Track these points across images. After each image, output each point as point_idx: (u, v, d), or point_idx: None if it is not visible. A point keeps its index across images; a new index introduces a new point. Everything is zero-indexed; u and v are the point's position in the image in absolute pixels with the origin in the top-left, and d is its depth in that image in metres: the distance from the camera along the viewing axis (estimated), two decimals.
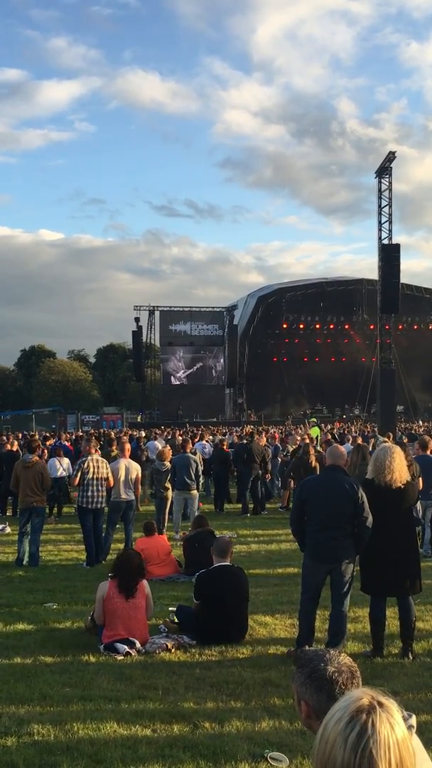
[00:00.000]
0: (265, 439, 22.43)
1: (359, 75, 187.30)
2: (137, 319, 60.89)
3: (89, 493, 12.65)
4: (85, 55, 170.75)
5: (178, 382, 64.27)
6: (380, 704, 1.83)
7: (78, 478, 12.74)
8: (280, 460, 20.38)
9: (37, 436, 25.14)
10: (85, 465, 12.69)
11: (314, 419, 44.23)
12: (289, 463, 19.17)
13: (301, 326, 64.54)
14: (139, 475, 13.68)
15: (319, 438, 26.36)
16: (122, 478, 13.02)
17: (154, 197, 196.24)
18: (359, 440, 18.09)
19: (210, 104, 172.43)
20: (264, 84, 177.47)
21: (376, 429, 34.55)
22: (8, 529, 16.17)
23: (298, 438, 23.11)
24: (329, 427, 37.88)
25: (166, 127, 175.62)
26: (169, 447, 18.17)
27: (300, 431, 30.66)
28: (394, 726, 1.78)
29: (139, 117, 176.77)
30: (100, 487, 12.72)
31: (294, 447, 20.46)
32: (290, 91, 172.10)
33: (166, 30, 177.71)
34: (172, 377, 64.38)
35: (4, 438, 24.71)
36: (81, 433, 32.86)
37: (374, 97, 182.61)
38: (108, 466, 12.94)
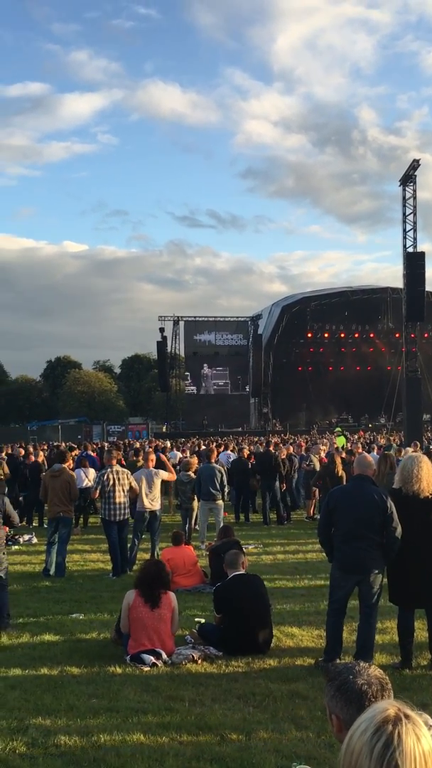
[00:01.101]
0: (289, 448, 22.33)
1: (380, 83, 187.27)
2: (162, 330, 61.06)
3: (112, 506, 12.65)
4: (106, 68, 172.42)
5: (203, 392, 64.29)
6: (406, 716, 1.81)
7: (98, 491, 12.78)
8: (304, 470, 20.26)
9: (63, 447, 25.29)
10: (105, 477, 12.70)
11: (339, 428, 44.02)
12: (313, 473, 19.10)
13: (326, 335, 64.34)
14: (172, 476, 13.77)
15: (344, 447, 26.23)
16: (144, 488, 13.01)
17: (176, 208, 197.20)
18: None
19: (230, 115, 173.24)
20: (284, 94, 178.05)
21: (389, 438, 34.33)
22: (35, 540, 16.24)
23: (322, 448, 23.03)
24: (355, 436, 37.69)
25: (186, 138, 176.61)
26: (195, 458, 18.16)
27: (325, 441, 30.54)
28: (420, 737, 1.77)
29: (160, 128, 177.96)
30: (122, 499, 12.72)
31: (316, 456, 20.38)
32: (311, 100, 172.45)
33: (186, 41, 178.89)
34: (196, 387, 64.43)
35: (30, 449, 24.86)
36: (106, 444, 32.93)
37: (395, 105, 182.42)
38: (130, 476, 12.94)
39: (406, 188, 36.56)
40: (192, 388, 64.78)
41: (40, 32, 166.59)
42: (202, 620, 8.60)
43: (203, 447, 24.26)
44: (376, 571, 7.37)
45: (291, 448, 22.62)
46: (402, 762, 1.70)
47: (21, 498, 19.57)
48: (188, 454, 22.89)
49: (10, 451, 23.31)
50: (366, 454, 9.05)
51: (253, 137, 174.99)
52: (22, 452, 22.14)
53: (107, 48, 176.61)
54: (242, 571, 8.55)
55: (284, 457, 19.78)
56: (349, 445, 27.74)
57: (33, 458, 20.05)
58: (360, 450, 19.63)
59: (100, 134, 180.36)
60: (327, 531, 7.62)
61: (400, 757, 1.70)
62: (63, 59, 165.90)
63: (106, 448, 22.96)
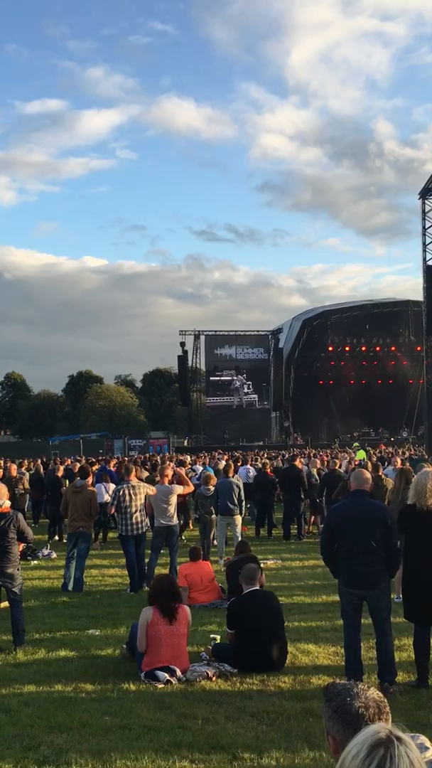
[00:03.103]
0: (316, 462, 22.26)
1: (396, 96, 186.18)
2: (183, 344, 61.13)
3: (128, 521, 12.65)
4: (122, 84, 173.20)
5: (223, 406, 64.23)
6: (398, 738, 1.79)
7: (114, 507, 12.79)
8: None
9: (84, 462, 25.36)
10: (121, 493, 12.70)
11: (357, 444, 43.75)
12: (317, 488, 19.12)
13: (347, 348, 64.10)
14: (188, 488, 13.80)
15: (365, 461, 26.08)
16: (158, 504, 12.98)
17: (194, 222, 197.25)
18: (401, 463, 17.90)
19: (245, 129, 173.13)
20: (300, 107, 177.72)
21: (399, 451, 34.06)
22: (54, 554, 16.27)
23: (338, 461, 22.91)
24: (376, 450, 37.47)
25: (203, 152, 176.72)
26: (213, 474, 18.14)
27: (345, 455, 30.37)
28: (413, 761, 1.75)
29: (177, 143, 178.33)
30: (138, 514, 12.71)
31: (314, 470, 20.32)
32: (327, 113, 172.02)
33: (202, 56, 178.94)
34: (217, 401, 64.39)
35: (58, 461, 24.99)
36: (125, 459, 32.97)
37: (412, 118, 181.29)
38: (147, 489, 12.93)
39: (426, 201, 36.48)
40: (217, 399, 64.54)
41: (56, 50, 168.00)
42: (218, 637, 8.53)
43: (222, 462, 24.17)
44: (382, 585, 7.32)
45: (317, 462, 22.61)
46: None
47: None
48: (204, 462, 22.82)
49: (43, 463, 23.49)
50: (362, 469, 9.01)
51: (268, 151, 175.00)
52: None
53: (123, 64, 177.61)
54: (257, 587, 8.50)
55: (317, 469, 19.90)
56: (374, 457, 27.62)
57: (60, 473, 20.12)
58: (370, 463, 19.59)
59: (119, 149, 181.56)
60: (330, 548, 7.59)
61: None
62: (79, 76, 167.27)
63: (124, 465, 22.93)
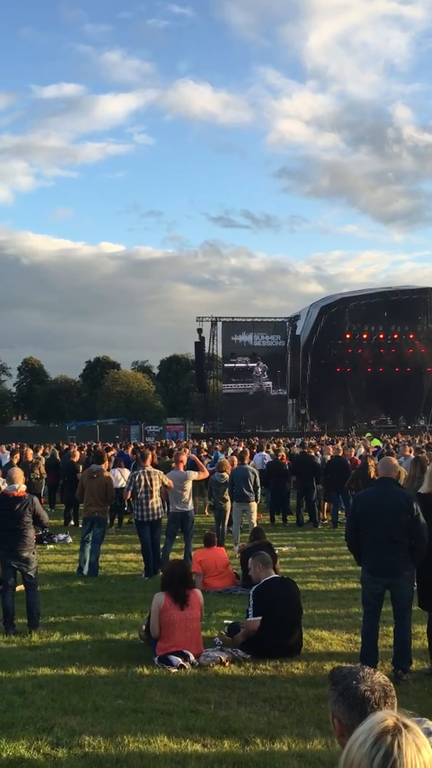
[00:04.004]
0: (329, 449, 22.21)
1: (415, 80, 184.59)
2: (200, 330, 61.08)
3: (144, 507, 12.70)
4: (138, 68, 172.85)
5: (240, 393, 64.20)
6: (406, 726, 1.78)
7: (130, 493, 12.84)
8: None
9: (101, 447, 25.45)
10: (137, 478, 12.76)
11: (369, 434, 43.52)
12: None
13: (365, 336, 63.82)
14: (203, 474, 13.80)
15: (382, 448, 26.02)
16: (174, 490, 13.01)
17: (211, 208, 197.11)
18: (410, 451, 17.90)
19: (262, 114, 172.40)
20: (318, 92, 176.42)
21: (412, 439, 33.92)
22: (70, 539, 16.37)
23: (353, 450, 22.86)
24: (393, 438, 37.36)
25: (219, 138, 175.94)
26: (230, 459, 18.14)
27: (359, 443, 30.30)
28: (420, 748, 1.74)
29: (193, 128, 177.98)
30: (154, 500, 12.75)
31: (329, 456, 20.26)
32: (345, 98, 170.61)
33: (219, 40, 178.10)
34: (234, 388, 64.35)
35: (74, 446, 25.09)
36: (142, 444, 33.06)
37: (431, 103, 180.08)
38: (162, 477, 12.97)
39: None
40: (229, 388, 64.53)
41: (72, 33, 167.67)
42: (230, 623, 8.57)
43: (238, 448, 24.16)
44: (406, 574, 7.28)
45: (330, 449, 22.53)
46: None
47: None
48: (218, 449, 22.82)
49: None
50: (390, 456, 8.97)
51: (286, 136, 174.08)
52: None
53: (140, 48, 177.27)
54: (275, 574, 8.48)
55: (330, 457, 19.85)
56: (390, 445, 27.54)
57: (76, 458, 20.17)
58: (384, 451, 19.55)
59: (136, 134, 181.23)
60: (354, 535, 7.56)
61: None
62: (96, 60, 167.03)
63: (139, 451, 22.96)
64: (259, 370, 63.52)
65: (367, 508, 7.44)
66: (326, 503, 19.55)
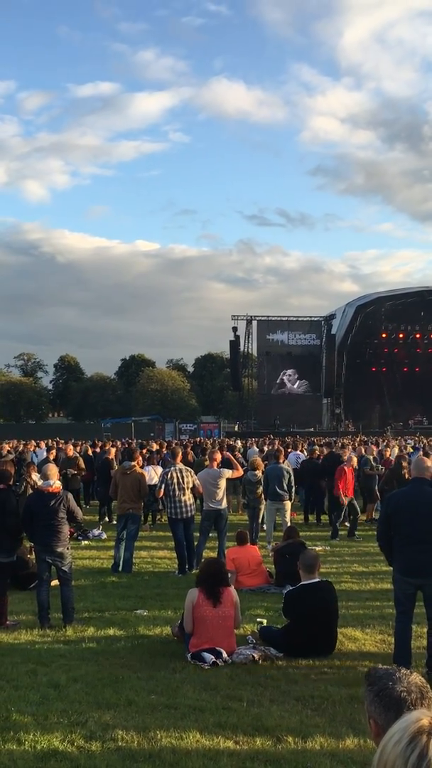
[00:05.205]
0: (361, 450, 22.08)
1: None
2: (235, 329, 61.11)
3: (176, 504, 12.73)
4: (173, 66, 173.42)
5: (275, 392, 64.10)
6: None
7: (162, 490, 12.87)
8: (365, 473, 20.02)
9: (134, 444, 25.58)
10: (169, 476, 12.79)
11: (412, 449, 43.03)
12: (373, 477, 18.91)
13: (401, 335, 63.40)
14: (237, 472, 13.80)
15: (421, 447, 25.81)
16: (207, 487, 13.02)
17: (245, 207, 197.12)
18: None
19: (296, 112, 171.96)
20: (353, 89, 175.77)
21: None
22: (104, 536, 16.48)
23: (388, 450, 22.64)
24: (430, 439, 37.01)
25: (254, 136, 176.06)
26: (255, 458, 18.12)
27: (394, 443, 30.08)
28: None
29: (228, 127, 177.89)
30: (186, 497, 12.77)
31: (370, 457, 20.04)
32: (380, 95, 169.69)
33: (253, 37, 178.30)
34: (269, 387, 64.27)
35: (109, 444, 25.23)
36: (174, 442, 33.13)
37: None
38: (193, 475, 12.98)
39: None
40: (264, 387, 64.48)
41: (108, 32, 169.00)
42: (264, 621, 8.55)
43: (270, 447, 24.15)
44: None
45: (374, 449, 22.39)
46: None
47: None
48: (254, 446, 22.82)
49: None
50: (423, 456, 8.88)
51: (320, 134, 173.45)
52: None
53: (174, 46, 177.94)
54: (316, 578, 8.28)
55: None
56: (426, 446, 27.30)
57: (111, 455, 20.29)
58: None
59: (171, 132, 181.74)
60: (386, 535, 7.52)
61: None
62: (131, 59, 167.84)
63: (170, 449, 23.02)
64: (276, 372, 63.29)
65: (399, 508, 7.40)
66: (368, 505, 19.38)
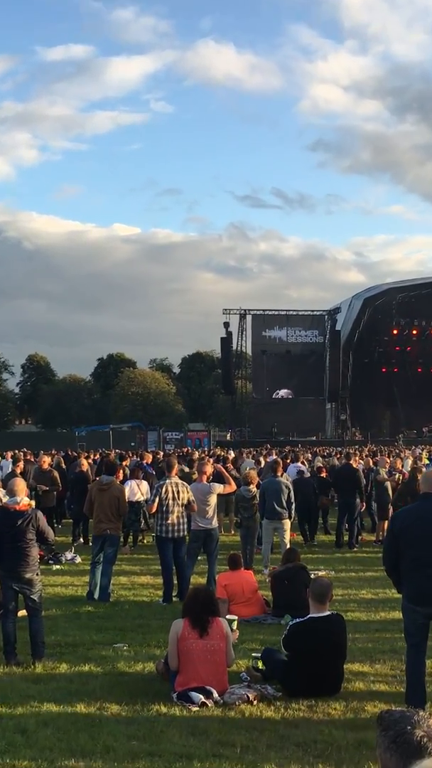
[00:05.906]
0: (369, 461, 22.16)
1: None
2: (226, 325, 61.18)
3: (168, 521, 12.63)
4: (155, 27, 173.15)
5: (272, 396, 64.16)
6: None
7: (155, 505, 12.73)
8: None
9: (113, 456, 25.48)
10: (163, 490, 12.71)
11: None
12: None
13: (414, 332, 63.63)
14: (230, 488, 13.77)
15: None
16: (197, 505, 12.98)
17: (237, 186, 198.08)
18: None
19: (294, 79, 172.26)
20: (357, 54, 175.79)
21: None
22: (79, 559, 16.45)
23: (387, 461, 22.70)
24: None
25: (246, 106, 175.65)
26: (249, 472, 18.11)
27: (408, 453, 30.19)
28: None
29: (216, 95, 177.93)
30: (179, 514, 12.72)
31: (384, 470, 20.12)
32: (388, 60, 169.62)
33: None
34: (265, 390, 64.33)
35: (83, 455, 25.16)
36: (161, 453, 33.12)
37: None
38: (189, 490, 12.94)
39: None
40: (260, 391, 64.57)
41: None
42: (260, 663, 8.49)
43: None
44: None
45: (387, 462, 22.45)
46: None
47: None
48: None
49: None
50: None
51: (321, 104, 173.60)
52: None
53: (155, 4, 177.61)
54: (326, 611, 8.21)
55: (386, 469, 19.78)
56: None
57: (84, 467, 20.17)
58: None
59: (152, 102, 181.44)
60: (393, 558, 7.50)
61: None
62: (106, 18, 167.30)
63: (165, 461, 23.00)
64: (274, 373, 63.45)
65: (407, 527, 7.38)
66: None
